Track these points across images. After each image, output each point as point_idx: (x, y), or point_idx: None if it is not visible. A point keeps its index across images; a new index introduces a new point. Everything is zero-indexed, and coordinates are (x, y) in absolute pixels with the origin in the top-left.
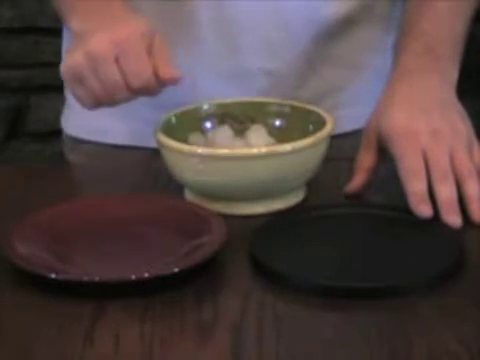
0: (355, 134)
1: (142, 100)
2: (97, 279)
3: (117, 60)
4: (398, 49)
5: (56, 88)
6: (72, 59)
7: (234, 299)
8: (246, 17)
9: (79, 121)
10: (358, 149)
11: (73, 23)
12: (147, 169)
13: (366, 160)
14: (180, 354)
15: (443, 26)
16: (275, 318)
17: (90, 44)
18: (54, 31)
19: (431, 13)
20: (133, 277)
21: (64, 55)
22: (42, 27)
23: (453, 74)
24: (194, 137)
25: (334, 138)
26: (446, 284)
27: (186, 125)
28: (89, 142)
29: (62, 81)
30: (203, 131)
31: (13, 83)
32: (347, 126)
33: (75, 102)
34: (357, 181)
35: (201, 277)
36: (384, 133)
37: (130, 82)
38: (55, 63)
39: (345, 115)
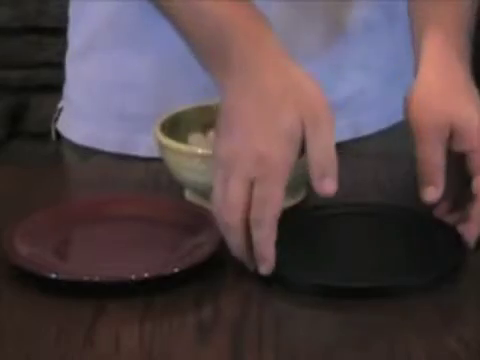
0: (379, 135)
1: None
2: (97, 279)
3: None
4: (419, 35)
5: (56, 88)
6: (233, 146)
7: (234, 299)
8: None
9: (88, 129)
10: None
11: (225, 78)
12: (147, 169)
13: (439, 158)
14: (180, 354)
15: (458, 17)
16: (275, 318)
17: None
18: (54, 31)
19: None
20: (133, 277)
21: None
22: (42, 27)
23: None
24: (194, 137)
25: (359, 141)
26: (446, 284)
27: (186, 125)
28: (94, 149)
29: (62, 81)
30: (203, 131)
31: (13, 83)
32: (372, 128)
33: (80, 108)
34: (441, 185)
35: (201, 277)
36: (463, 129)
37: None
38: (55, 63)
39: (370, 118)
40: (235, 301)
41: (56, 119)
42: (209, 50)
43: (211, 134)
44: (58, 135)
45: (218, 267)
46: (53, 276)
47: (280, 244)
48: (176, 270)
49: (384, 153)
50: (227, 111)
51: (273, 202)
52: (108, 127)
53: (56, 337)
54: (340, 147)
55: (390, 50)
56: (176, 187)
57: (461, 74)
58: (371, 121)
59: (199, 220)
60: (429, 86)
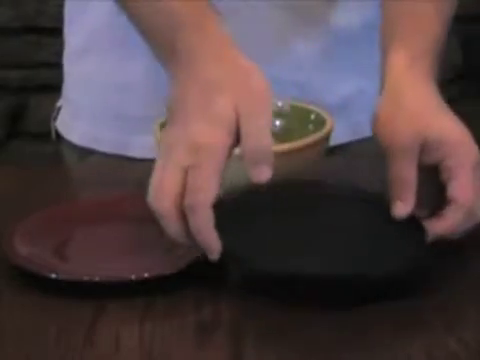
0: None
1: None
2: (97, 279)
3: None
4: (385, 53)
5: (55, 88)
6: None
7: (234, 299)
8: (271, 29)
9: (85, 129)
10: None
11: (174, 68)
12: (147, 169)
13: (412, 174)
14: (180, 354)
15: (424, 30)
16: (275, 318)
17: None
18: (54, 31)
19: (412, 16)
20: (133, 277)
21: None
22: (42, 27)
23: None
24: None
25: (358, 142)
26: (443, 284)
27: None
28: (91, 149)
29: (61, 81)
30: None
31: (13, 83)
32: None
33: (77, 108)
34: (411, 201)
35: (201, 277)
36: (437, 142)
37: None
38: (55, 63)
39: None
40: (235, 301)
41: (55, 118)
42: (161, 43)
43: None
44: (58, 134)
45: (218, 267)
46: (53, 276)
47: (244, 227)
48: (176, 270)
49: (383, 154)
50: (172, 102)
51: (206, 189)
52: (104, 127)
53: (56, 337)
54: (339, 148)
55: None
56: None
57: (429, 91)
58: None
59: None
60: (397, 102)
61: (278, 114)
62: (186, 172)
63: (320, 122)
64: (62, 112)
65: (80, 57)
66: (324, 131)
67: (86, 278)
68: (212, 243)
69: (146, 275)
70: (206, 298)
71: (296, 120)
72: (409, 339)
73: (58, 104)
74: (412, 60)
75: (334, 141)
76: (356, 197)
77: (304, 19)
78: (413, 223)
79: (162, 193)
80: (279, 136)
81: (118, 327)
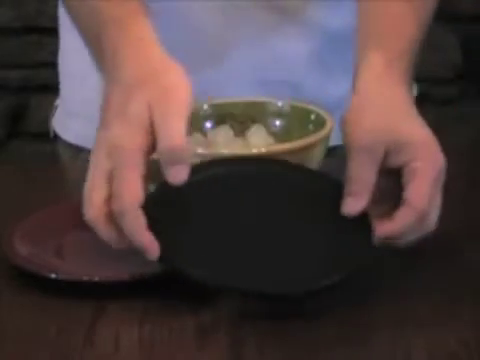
0: None
1: None
2: (97, 279)
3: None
4: (360, 54)
5: (55, 88)
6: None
7: (234, 299)
8: (256, 29)
9: (80, 127)
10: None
11: (106, 67)
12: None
13: (369, 174)
14: (180, 355)
15: (400, 31)
16: (275, 319)
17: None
18: (54, 31)
19: (387, 17)
20: (133, 277)
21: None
22: (42, 27)
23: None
24: (194, 137)
25: None
26: (443, 284)
27: None
28: (85, 148)
29: None
30: (203, 131)
31: (13, 83)
32: None
33: (71, 107)
34: (363, 200)
35: None
36: (403, 143)
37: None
38: (55, 63)
39: None
40: (235, 302)
41: (53, 117)
42: (92, 43)
43: (211, 134)
44: (55, 133)
45: None
46: (53, 276)
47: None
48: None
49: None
50: (102, 104)
51: (129, 192)
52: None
53: (56, 337)
54: (333, 150)
55: None
56: None
57: (400, 94)
58: None
59: None
60: (368, 101)
61: (278, 114)
62: (111, 176)
63: (320, 122)
64: (58, 111)
65: (74, 55)
66: (324, 131)
67: (86, 278)
68: (148, 245)
69: (146, 275)
70: (206, 299)
71: (296, 120)
72: (409, 339)
73: (56, 103)
74: (388, 61)
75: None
76: (313, 183)
77: (291, 20)
78: (363, 222)
79: (89, 201)
80: (279, 136)
81: (118, 327)
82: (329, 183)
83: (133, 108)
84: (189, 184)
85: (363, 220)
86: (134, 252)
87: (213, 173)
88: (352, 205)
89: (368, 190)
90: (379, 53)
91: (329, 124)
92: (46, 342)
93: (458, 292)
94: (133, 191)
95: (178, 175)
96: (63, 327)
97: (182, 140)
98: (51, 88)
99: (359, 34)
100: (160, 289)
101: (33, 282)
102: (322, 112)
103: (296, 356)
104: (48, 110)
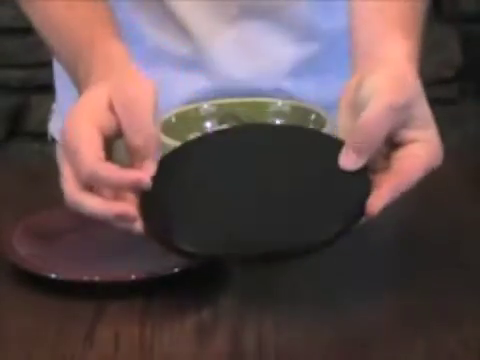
0: None
1: None
2: (97, 279)
3: None
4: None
5: None
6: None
7: (234, 299)
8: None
9: None
10: None
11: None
12: None
13: (382, 136)
14: (180, 354)
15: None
16: (275, 319)
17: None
18: None
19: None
20: (133, 277)
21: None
22: None
23: None
24: (194, 137)
25: None
26: (443, 284)
27: (186, 125)
28: None
29: None
30: (203, 131)
31: (13, 83)
32: None
33: (65, 109)
34: (363, 157)
35: (201, 277)
36: (420, 120)
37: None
38: None
39: None
40: (235, 301)
41: (49, 120)
42: (68, 60)
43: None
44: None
45: (218, 267)
46: (53, 276)
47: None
48: (176, 270)
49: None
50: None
51: (86, 152)
52: None
53: (56, 337)
54: None
55: None
56: None
57: (411, 76)
58: None
59: None
60: (406, 69)
61: (278, 114)
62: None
63: (320, 122)
64: (54, 115)
65: None
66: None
67: (86, 278)
68: (137, 176)
69: (146, 275)
70: (206, 298)
71: (296, 120)
72: (409, 339)
73: (53, 107)
74: (412, 54)
75: None
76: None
77: (283, 24)
78: (361, 176)
79: (65, 184)
80: None
81: (118, 327)
82: (328, 140)
83: (92, 93)
84: (183, 152)
85: (361, 173)
86: (134, 252)
87: (206, 141)
88: (352, 161)
89: (373, 149)
90: (406, 42)
91: (329, 124)
92: (46, 342)
93: (458, 292)
94: (88, 151)
95: (147, 171)
96: (63, 327)
97: (150, 135)
98: (51, 88)
99: (362, 32)
100: (160, 289)
101: (33, 282)
102: (322, 112)
103: (296, 356)
104: (48, 110)
